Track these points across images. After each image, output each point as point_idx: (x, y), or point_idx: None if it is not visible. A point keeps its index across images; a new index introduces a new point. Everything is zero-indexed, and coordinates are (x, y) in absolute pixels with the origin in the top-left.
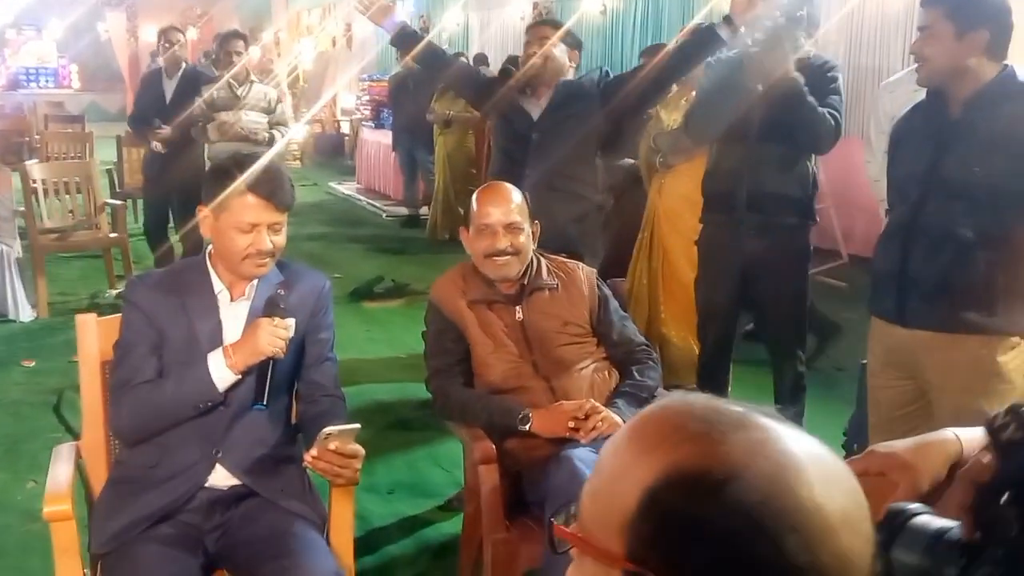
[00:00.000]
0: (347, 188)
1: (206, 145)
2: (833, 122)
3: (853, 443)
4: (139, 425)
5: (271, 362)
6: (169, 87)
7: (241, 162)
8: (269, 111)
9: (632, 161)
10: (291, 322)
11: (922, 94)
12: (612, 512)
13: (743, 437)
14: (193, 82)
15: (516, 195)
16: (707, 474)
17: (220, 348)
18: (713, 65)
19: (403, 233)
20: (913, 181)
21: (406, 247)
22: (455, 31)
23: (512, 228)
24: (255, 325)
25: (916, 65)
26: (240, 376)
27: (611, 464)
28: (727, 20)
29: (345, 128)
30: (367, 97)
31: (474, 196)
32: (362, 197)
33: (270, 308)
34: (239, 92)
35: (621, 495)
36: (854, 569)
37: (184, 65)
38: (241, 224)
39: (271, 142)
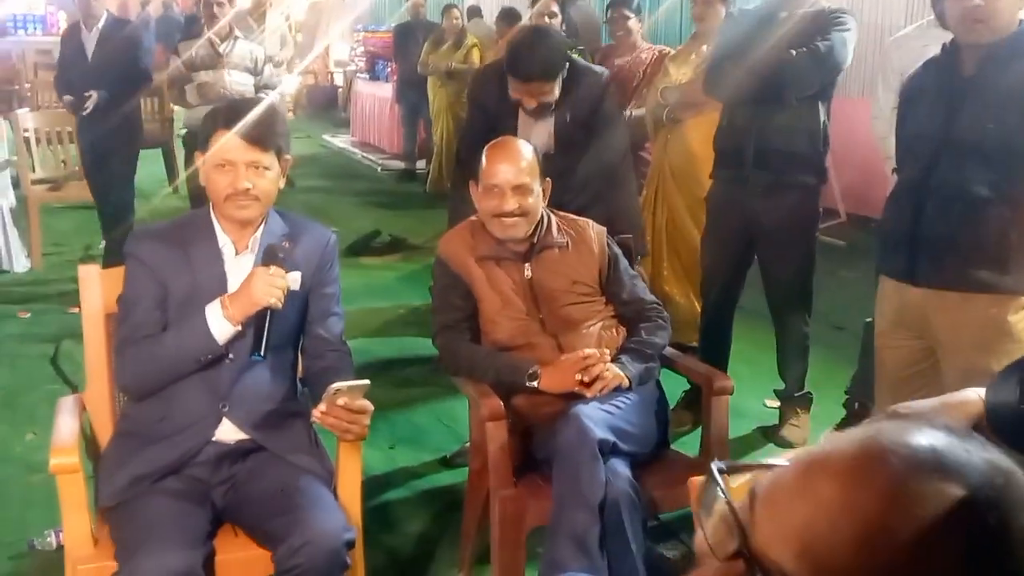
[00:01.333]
0: (341, 141)
1: (183, 109)
2: (813, 57)
3: (855, 402)
4: (143, 380)
5: (269, 312)
6: (90, 42)
7: (232, 102)
8: (255, 72)
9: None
10: (296, 275)
11: (932, 50)
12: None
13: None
14: (116, 33)
15: (527, 153)
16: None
17: (218, 300)
18: (736, 17)
19: (399, 187)
20: (925, 139)
21: (402, 202)
22: None
23: (521, 189)
24: (251, 274)
25: (926, 20)
26: (239, 328)
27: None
28: None
29: (339, 80)
30: (362, 48)
31: (484, 152)
32: (357, 150)
33: (268, 257)
34: (221, 49)
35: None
36: None
37: (105, 15)
38: (219, 161)
39: None
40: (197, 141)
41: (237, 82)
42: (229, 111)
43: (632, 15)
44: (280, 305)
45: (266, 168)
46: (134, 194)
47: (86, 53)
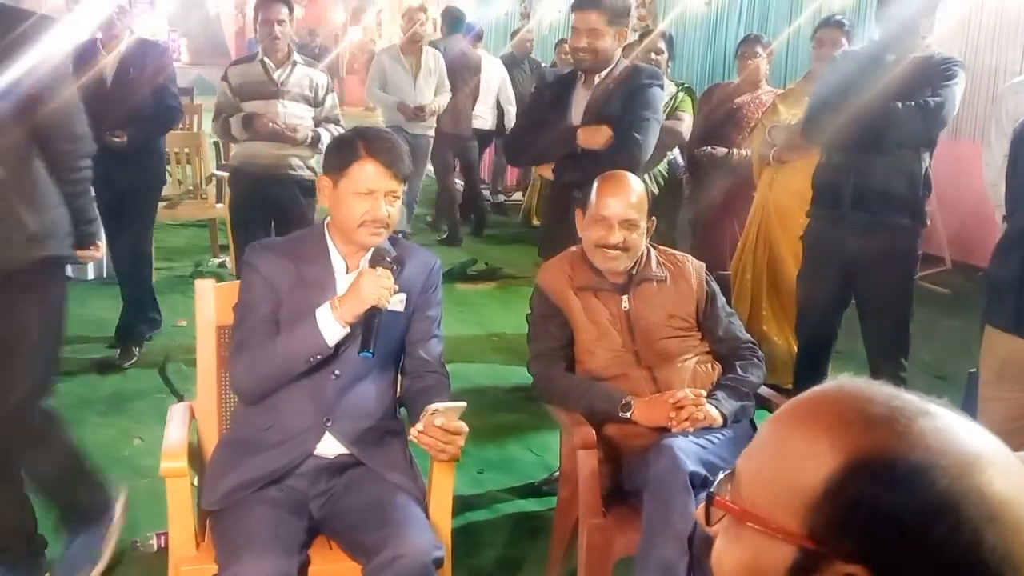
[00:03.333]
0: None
1: (231, 145)
2: (922, 113)
3: None
4: (255, 381)
5: (377, 312)
6: (109, 68)
7: (362, 131)
8: (315, 102)
9: (714, 150)
10: (401, 297)
11: None
12: (787, 491)
13: (928, 425)
14: (142, 57)
15: (637, 188)
16: (900, 461)
17: (327, 302)
18: (839, 59)
19: (493, 218)
20: None
21: (495, 232)
22: (556, 18)
23: (628, 224)
24: (359, 276)
25: None
26: (348, 329)
27: (782, 443)
28: None
29: None
30: None
31: (596, 183)
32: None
33: (375, 260)
34: (276, 76)
35: (799, 476)
36: None
37: (128, 34)
38: (359, 189)
39: (315, 143)
40: (237, 181)
41: (293, 114)
42: (368, 140)
43: (763, 53)
44: (388, 304)
45: (397, 197)
46: (152, 271)
47: (105, 80)
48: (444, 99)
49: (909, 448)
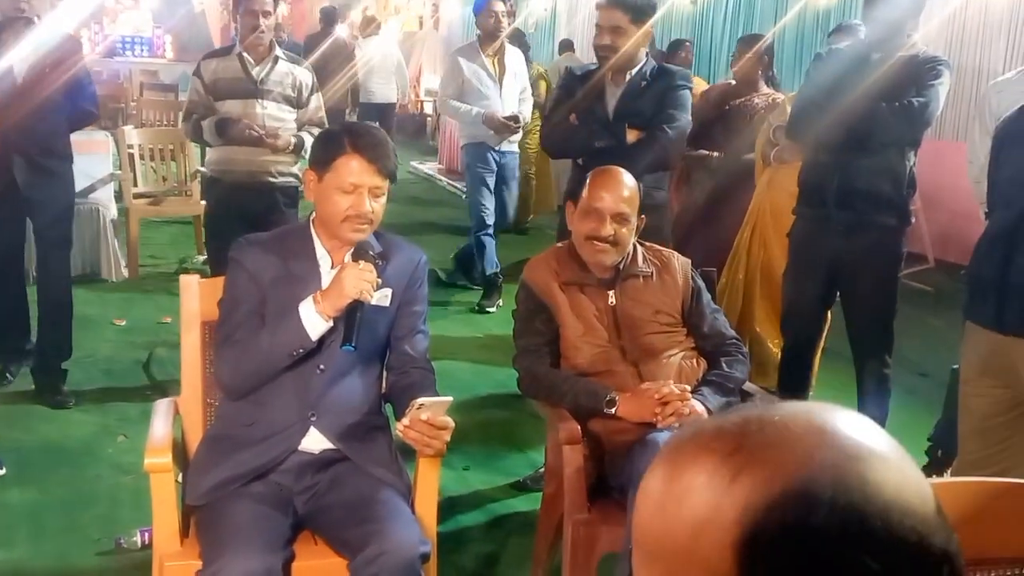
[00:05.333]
0: (429, 168)
1: (206, 148)
2: (907, 113)
3: (938, 450)
4: (240, 376)
5: (360, 304)
6: (14, 57)
7: (349, 126)
8: (298, 104)
9: (747, 156)
10: (386, 292)
11: None
12: (698, 551)
13: (804, 439)
14: (49, 49)
15: (630, 183)
16: (805, 487)
17: (310, 296)
18: (825, 58)
19: None
20: (1019, 184)
21: None
22: (542, 16)
23: (619, 217)
24: (341, 269)
25: None
26: (331, 323)
27: (673, 502)
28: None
29: (428, 109)
30: None
31: (589, 175)
32: (443, 177)
33: (358, 254)
34: (255, 73)
35: (707, 531)
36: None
37: (36, 21)
38: (344, 185)
39: (298, 150)
40: (213, 190)
41: (273, 116)
42: (354, 135)
43: (756, 54)
44: (371, 298)
45: (382, 194)
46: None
47: (14, 74)
48: (528, 107)
49: (799, 470)
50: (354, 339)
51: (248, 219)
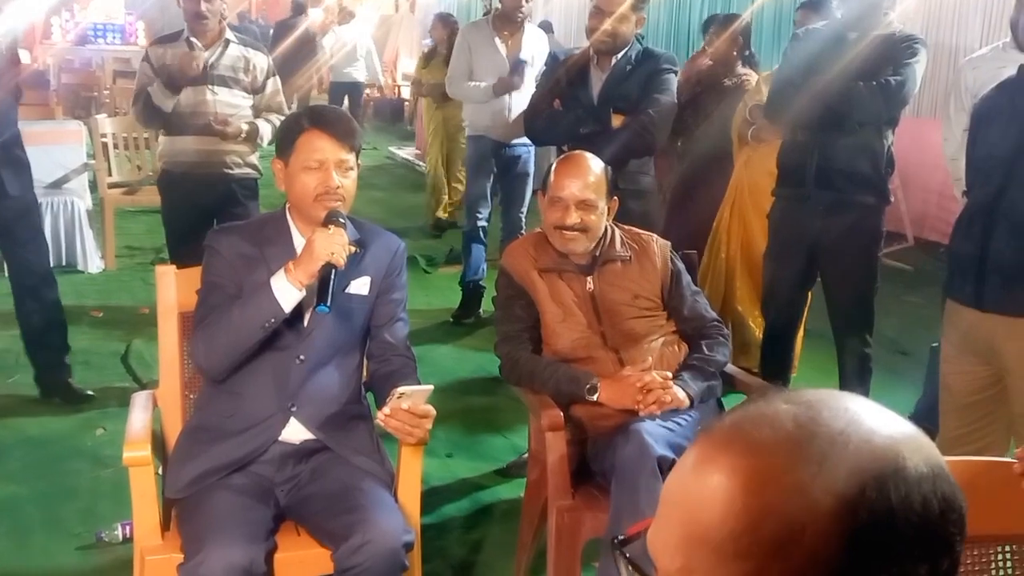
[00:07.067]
0: (406, 153)
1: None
2: (884, 92)
3: (919, 427)
4: (214, 354)
5: (332, 268)
6: None
7: (308, 107)
8: (253, 89)
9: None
10: (365, 280)
11: (1007, 72)
12: (802, 543)
13: (851, 426)
14: None
15: (596, 168)
16: (887, 469)
17: (282, 268)
18: (802, 37)
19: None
20: (996, 161)
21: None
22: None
23: (585, 204)
24: (312, 235)
25: (1003, 42)
26: (303, 292)
27: (758, 504)
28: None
29: (405, 93)
30: None
31: (553, 164)
32: (420, 162)
33: (327, 219)
34: (206, 57)
35: (808, 527)
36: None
37: None
38: (309, 162)
39: (253, 138)
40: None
41: (225, 102)
42: (313, 113)
43: (728, 34)
44: (342, 263)
45: (350, 168)
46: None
47: None
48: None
49: (868, 457)
50: (328, 299)
51: (205, 212)
